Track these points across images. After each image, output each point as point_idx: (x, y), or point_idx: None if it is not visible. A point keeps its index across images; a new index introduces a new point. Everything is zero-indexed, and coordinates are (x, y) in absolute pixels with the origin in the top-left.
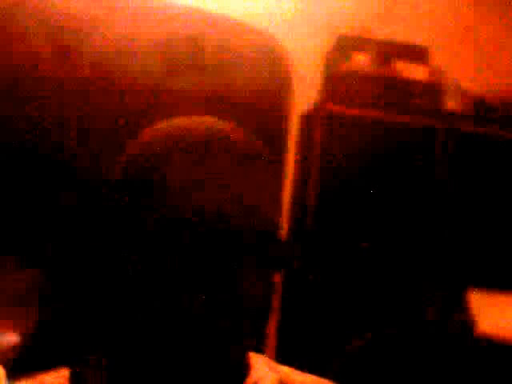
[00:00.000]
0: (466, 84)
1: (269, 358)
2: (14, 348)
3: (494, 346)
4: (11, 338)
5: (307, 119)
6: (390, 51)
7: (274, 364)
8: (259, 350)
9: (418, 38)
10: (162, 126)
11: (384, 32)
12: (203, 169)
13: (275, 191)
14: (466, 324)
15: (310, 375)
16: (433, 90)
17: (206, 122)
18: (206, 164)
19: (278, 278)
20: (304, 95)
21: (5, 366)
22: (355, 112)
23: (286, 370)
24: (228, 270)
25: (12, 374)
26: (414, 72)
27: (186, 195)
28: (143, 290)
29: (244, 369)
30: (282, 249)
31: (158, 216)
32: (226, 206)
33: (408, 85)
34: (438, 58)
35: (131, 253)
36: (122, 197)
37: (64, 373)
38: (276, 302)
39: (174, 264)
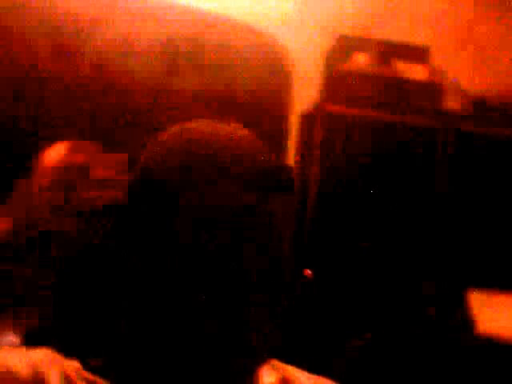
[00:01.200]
0: (465, 84)
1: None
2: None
3: (494, 346)
4: (11, 338)
5: (307, 119)
6: (390, 51)
7: (276, 362)
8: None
9: (418, 38)
10: (185, 128)
11: (384, 32)
12: (224, 184)
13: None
14: (466, 324)
15: (313, 375)
16: (433, 89)
17: (230, 131)
18: (227, 180)
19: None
20: (304, 95)
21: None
22: (355, 112)
23: (289, 368)
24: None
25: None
26: (414, 72)
27: (206, 207)
28: (150, 294)
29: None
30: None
31: (179, 218)
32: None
33: (408, 85)
34: (437, 58)
35: (145, 254)
36: (143, 197)
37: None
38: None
39: (188, 268)
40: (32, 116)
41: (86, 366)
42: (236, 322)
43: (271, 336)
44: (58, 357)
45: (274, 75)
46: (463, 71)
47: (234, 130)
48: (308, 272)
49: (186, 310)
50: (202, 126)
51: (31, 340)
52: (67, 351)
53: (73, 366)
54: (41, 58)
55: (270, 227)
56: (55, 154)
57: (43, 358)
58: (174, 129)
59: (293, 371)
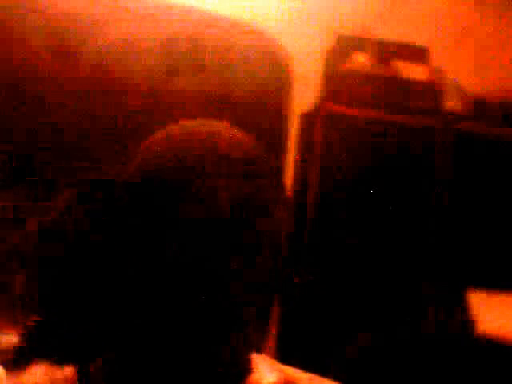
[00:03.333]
0: (465, 84)
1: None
2: (14, 348)
3: (493, 346)
4: (11, 338)
5: (307, 119)
6: (390, 51)
7: (277, 364)
8: (258, 351)
9: (417, 38)
10: (182, 128)
11: (384, 32)
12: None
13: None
14: (466, 324)
15: (314, 375)
16: (433, 89)
17: (224, 130)
18: (226, 179)
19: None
20: (304, 95)
21: (5, 366)
22: (355, 112)
23: (289, 370)
24: (223, 270)
25: (13, 373)
26: (414, 72)
27: (203, 206)
28: (144, 291)
29: (242, 368)
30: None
31: (169, 217)
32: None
33: (408, 85)
34: (437, 58)
35: (137, 253)
36: (137, 195)
37: (70, 370)
38: (276, 302)
39: (178, 265)
40: (32, 116)
41: (83, 371)
42: (224, 314)
43: (259, 329)
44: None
45: (274, 75)
46: (463, 71)
47: (227, 132)
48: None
49: (172, 304)
50: (196, 128)
51: (30, 340)
52: (64, 355)
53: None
54: (41, 58)
55: (264, 231)
56: None
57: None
58: (172, 129)
59: (293, 372)
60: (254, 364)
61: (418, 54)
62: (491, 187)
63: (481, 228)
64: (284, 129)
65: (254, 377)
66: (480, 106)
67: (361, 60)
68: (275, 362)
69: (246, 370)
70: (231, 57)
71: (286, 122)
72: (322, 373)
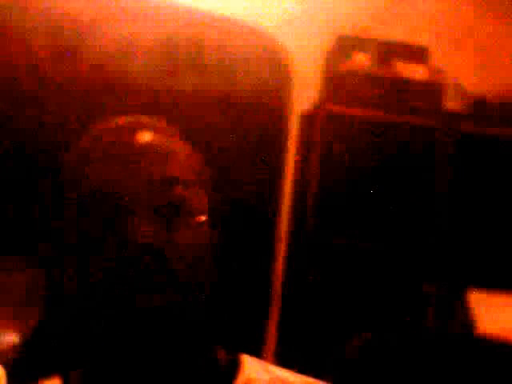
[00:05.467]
0: (465, 84)
1: (266, 358)
2: (14, 348)
3: (493, 346)
4: (11, 338)
5: (307, 119)
6: (390, 51)
7: (266, 365)
8: (258, 351)
9: (418, 38)
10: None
11: (384, 32)
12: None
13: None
14: (466, 324)
15: (303, 376)
16: (433, 89)
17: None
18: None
19: (278, 278)
20: (304, 95)
21: (5, 366)
22: (355, 112)
23: (278, 372)
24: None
25: (12, 374)
26: (414, 72)
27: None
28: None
29: (231, 368)
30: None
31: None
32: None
33: (408, 85)
34: (437, 58)
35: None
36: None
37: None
38: (276, 302)
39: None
40: (32, 116)
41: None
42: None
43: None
44: None
45: (274, 75)
46: (463, 71)
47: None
48: None
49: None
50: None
51: (31, 340)
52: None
53: None
54: (41, 58)
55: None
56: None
57: None
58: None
59: (284, 374)
60: (244, 365)
61: (418, 53)
62: (491, 187)
63: (481, 228)
64: (284, 129)
65: (244, 376)
66: (480, 106)
67: (361, 60)
68: (264, 362)
69: (235, 370)
70: (231, 57)
71: (286, 122)
72: (322, 373)
